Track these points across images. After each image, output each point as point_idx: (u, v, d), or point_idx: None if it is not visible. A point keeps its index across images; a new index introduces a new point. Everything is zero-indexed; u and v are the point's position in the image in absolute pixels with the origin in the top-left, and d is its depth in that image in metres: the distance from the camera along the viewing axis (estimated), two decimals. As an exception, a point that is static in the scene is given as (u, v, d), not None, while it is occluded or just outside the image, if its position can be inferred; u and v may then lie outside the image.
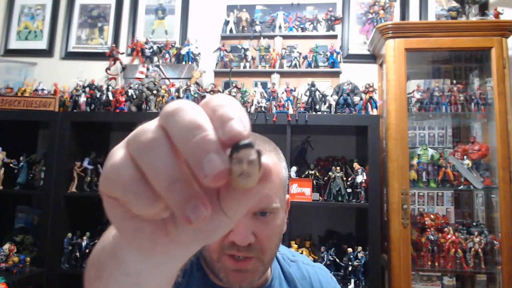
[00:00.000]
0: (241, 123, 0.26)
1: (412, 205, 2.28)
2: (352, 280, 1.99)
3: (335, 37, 2.50)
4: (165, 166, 0.25)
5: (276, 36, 2.50)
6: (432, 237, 2.08)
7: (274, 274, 0.84)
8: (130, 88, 2.34)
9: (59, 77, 2.64)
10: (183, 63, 2.53)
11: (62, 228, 2.18)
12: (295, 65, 2.41)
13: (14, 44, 2.90)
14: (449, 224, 2.22)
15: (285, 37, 2.51)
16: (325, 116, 2.14)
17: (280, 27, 2.54)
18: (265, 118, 2.13)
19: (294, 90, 2.23)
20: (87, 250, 2.13)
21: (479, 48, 2.21)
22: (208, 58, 2.61)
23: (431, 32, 2.15)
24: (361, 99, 2.14)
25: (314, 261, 1.20)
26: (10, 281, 1.90)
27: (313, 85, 2.17)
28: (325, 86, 2.24)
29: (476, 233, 2.05)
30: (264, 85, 2.34)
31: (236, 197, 0.26)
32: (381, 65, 2.46)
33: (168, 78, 2.47)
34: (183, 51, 2.54)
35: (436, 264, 2.07)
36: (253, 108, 2.16)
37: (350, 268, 2.00)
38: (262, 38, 2.51)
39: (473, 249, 2.03)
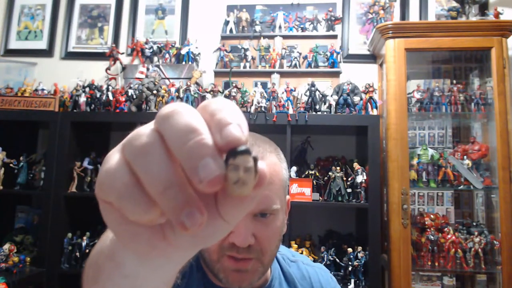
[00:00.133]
0: (239, 128, 0.25)
1: (412, 205, 2.28)
2: (352, 280, 1.99)
3: (335, 37, 2.50)
4: (160, 171, 0.25)
5: (276, 36, 2.50)
6: (432, 237, 2.07)
7: (274, 275, 0.84)
8: (130, 88, 2.34)
9: (59, 77, 2.64)
10: (183, 63, 2.53)
11: (62, 228, 2.18)
12: (295, 65, 2.41)
13: (14, 44, 2.90)
14: (449, 224, 2.22)
15: (285, 37, 2.51)
16: (325, 116, 2.14)
17: (280, 27, 2.54)
18: (265, 118, 2.13)
19: (294, 90, 2.23)
20: (87, 250, 2.13)
21: (479, 48, 2.21)
22: (208, 58, 2.61)
23: (431, 32, 2.15)
24: (361, 99, 2.14)
25: (314, 261, 1.20)
26: (10, 281, 1.90)
27: (313, 85, 2.17)
28: (325, 86, 2.24)
29: (476, 233, 2.05)
30: (264, 85, 2.34)
31: (233, 203, 0.26)
32: (381, 65, 2.46)
33: (168, 78, 2.47)
34: (183, 51, 2.54)
35: (436, 264, 2.07)
36: (253, 108, 2.16)
37: (350, 268, 2.00)
38: (262, 38, 2.51)
39: (473, 249, 2.02)
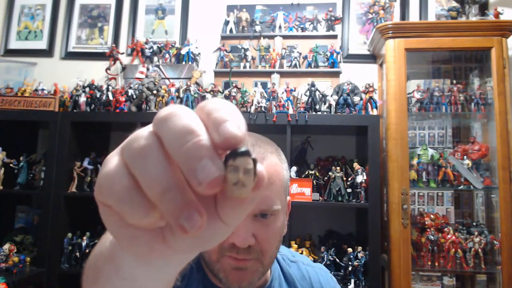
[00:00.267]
0: (236, 125, 0.25)
1: (412, 205, 2.28)
2: (352, 280, 1.99)
3: (335, 37, 2.49)
4: (158, 174, 0.24)
5: (276, 36, 2.50)
6: (432, 237, 2.07)
7: (274, 275, 0.84)
8: (130, 88, 2.34)
9: (59, 77, 2.64)
10: (183, 63, 2.53)
11: (62, 228, 2.18)
12: (295, 65, 2.41)
13: (14, 44, 2.90)
14: (449, 224, 2.22)
15: (285, 37, 2.51)
16: (325, 116, 2.14)
17: (280, 27, 2.54)
18: (265, 118, 2.13)
19: (294, 90, 2.23)
20: (87, 250, 2.13)
21: (479, 48, 2.21)
22: (208, 58, 2.61)
23: (431, 32, 2.15)
24: (361, 99, 2.14)
25: (314, 261, 1.20)
26: (10, 281, 1.90)
27: (313, 85, 2.17)
28: (325, 86, 2.24)
29: (476, 233, 2.05)
30: (264, 85, 2.34)
31: (232, 205, 0.26)
32: (381, 65, 2.46)
33: (168, 78, 2.47)
34: (183, 51, 2.54)
35: (436, 264, 2.07)
36: (253, 108, 2.16)
37: (350, 268, 2.00)
38: (262, 38, 2.51)
39: (473, 249, 2.02)
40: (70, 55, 2.84)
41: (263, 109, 2.16)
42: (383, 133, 2.18)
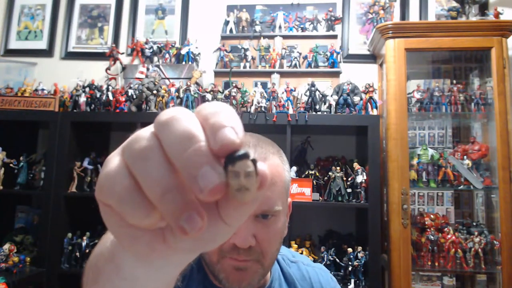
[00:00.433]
0: (233, 131, 0.25)
1: (412, 205, 2.28)
2: (352, 280, 1.99)
3: (335, 37, 2.49)
4: (159, 175, 0.24)
5: (276, 36, 2.50)
6: (432, 237, 2.08)
7: (274, 275, 0.84)
8: (130, 88, 2.34)
9: (59, 77, 2.64)
10: (183, 63, 2.53)
11: (62, 228, 2.18)
12: (295, 65, 2.41)
13: (14, 44, 2.90)
14: (449, 224, 2.22)
15: (285, 37, 2.51)
16: (325, 116, 2.14)
17: (280, 27, 2.54)
18: (265, 118, 2.13)
19: (294, 90, 2.23)
20: (87, 250, 2.13)
21: (479, 48, 2.21)
22: (208, 58, 2.61)
23: (431, 32, 2.15)
24: (361, 99, 2.14)
25: (314, 261, 1.20)
26: (10, 281, 1.90)
27: (313, 85, 2.17)
28: (325, 86, 2.24)
29: (476, 233, 2.05)
30: (264, 85, 2.34)
31: (234, 206, 0.25)
32: (381, 65, 2.46)
33: (168, 78, 2.47)
34: (183, 51, 2.54)
35: (436, 264, 2.07)
36: (253, 108, 2.16)
37: (350, 268, 2.00)
38: (262, 38, 2.51)
39: (473, 249, 2.02)
40: (70, 55, 2.84)
41: (263, 109, 2.16)
42: (383, 133, 2.18)
